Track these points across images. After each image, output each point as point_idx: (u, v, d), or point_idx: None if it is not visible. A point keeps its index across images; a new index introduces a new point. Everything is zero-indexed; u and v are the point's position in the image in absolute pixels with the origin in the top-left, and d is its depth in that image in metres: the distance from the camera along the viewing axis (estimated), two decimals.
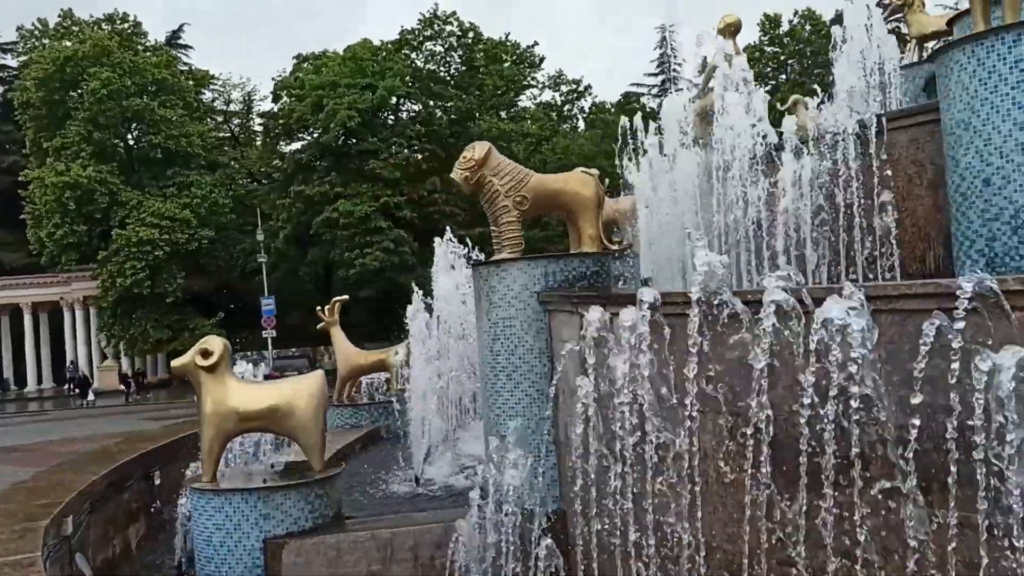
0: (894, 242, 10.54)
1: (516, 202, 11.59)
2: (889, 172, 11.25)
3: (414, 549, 10.66)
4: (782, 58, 56.45)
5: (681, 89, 67.56)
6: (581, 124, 59.23)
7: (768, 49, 56.33)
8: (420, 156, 52.54)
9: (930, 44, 17.66)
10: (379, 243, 48.03)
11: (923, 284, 6.04)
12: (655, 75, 68.08)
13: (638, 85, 67.84)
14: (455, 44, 55.62)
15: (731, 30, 15.75)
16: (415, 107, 55.22)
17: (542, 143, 54.95)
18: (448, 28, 55.26)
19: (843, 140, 10.93)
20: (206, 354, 11.19)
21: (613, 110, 62.52)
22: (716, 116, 16.02)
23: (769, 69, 55.62)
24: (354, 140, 50.93)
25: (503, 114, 56.33)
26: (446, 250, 16.77)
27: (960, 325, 5.31)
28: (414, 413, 13.50)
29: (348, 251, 48.26)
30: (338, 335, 18.14)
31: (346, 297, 19.12)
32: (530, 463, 10.72)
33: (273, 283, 53.63)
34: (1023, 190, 9.53)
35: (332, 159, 50.86)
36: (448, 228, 17.40)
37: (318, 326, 18.54)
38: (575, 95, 57.96)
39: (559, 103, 58.05)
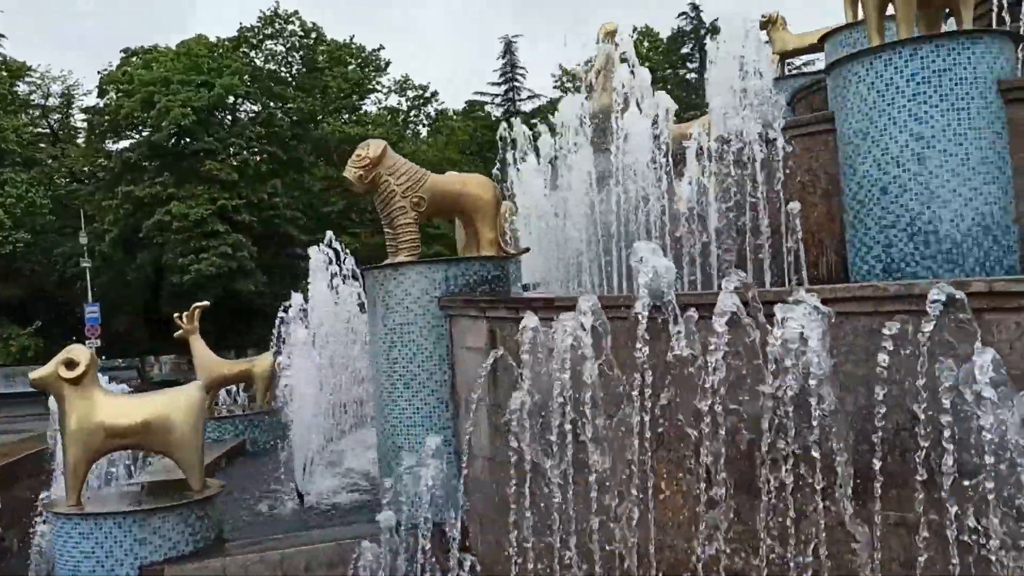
0: (801, 246, 10.59)
1: (413, 203, 11.08)
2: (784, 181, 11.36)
3: (308, 570, 9.93)
4: None
5: (524, 99, 68.37)
6: (424, 131, 58.79)
7: None
8: (260, 158, 50.71)
9: (796, 60, 18.22)
10: (216, 248, 45.99)
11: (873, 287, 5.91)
12: (498, 84, 68.40)
13: (481, 94, 67.98)
14: (297, 44, 54.11)
15: (611, 37, 15.74)
16: (254, 107, 53.34)
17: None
18: (290, 27, 53.75)
19: (748, 148, 10.92)
20: (71, 365, 10.13)
21: (456, 118, 62.56)
22: (614, 118, 16.01)
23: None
24: (188, 140, 48.64)
25: (347, 117, 55.16)
26: (323, 255, 15.94)
27: (928, 328, 5.23)
28: (294, 425, 12.69)
29: (182, 256, 45.98)
30: (198, 344, 16.99)
31: (206, 303, 17.97)
32: (438, 475, 10.26)
33: (98, 289, 50.61)
34: (918, 199, 9.71)
35: (164, 159, 48.40)
36: (330, 233, 16.51)
37: (176, 334, 17.32)
38: (421, 101, 57.47)
39: (405, 108, 57.40)
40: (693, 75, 56.33)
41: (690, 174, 11.40)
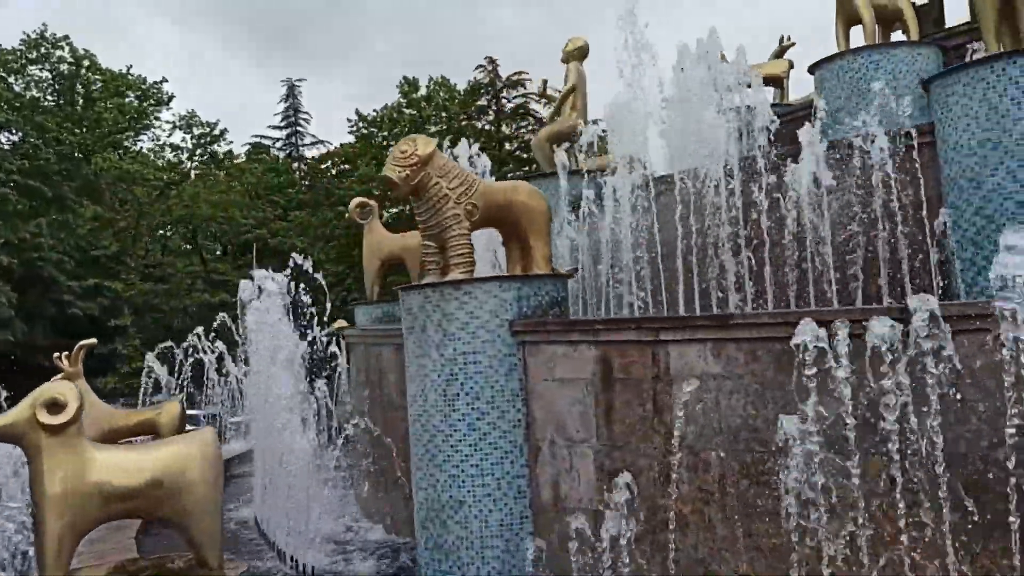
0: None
1: (467, 211, 9.38)
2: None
3: None
4: (417, 121, 56.78)
5: (308, 144, 65.66)
6: (211, 171, 54.86)
7: (407, 111, 56.43)
8: (19, 194, 45.24)
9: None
10: None
11: None
12: (280, 128, 65.37)
13: (262, 137, 64.71)
14: (66, 72, 49.01)
15: (579, 54, 14.66)
16: (13, 138, 47.74)
17: (170, 187, 49.94)
18: (58, 53, 48.62)
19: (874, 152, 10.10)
20: (54, 407, 7.63)
21: (242, 160, 59.12)
22: (576, 139, 14.80)
23: (407, 130, 55.60)
24: None
25: (122, 153, 50.48)
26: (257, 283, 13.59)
27: None
28: (257, 479, 10.44)
29: None
30: (81, 388, 13.93)
31: (93, 341, 14.87)
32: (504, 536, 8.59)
33: None
34: None
35: None
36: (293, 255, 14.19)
37: (54, 378, 14.12)
38: (208, 139, 53.51)
39: (191, 146, 53.26)
40: (490, 126, 56.23)
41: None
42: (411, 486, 10.75)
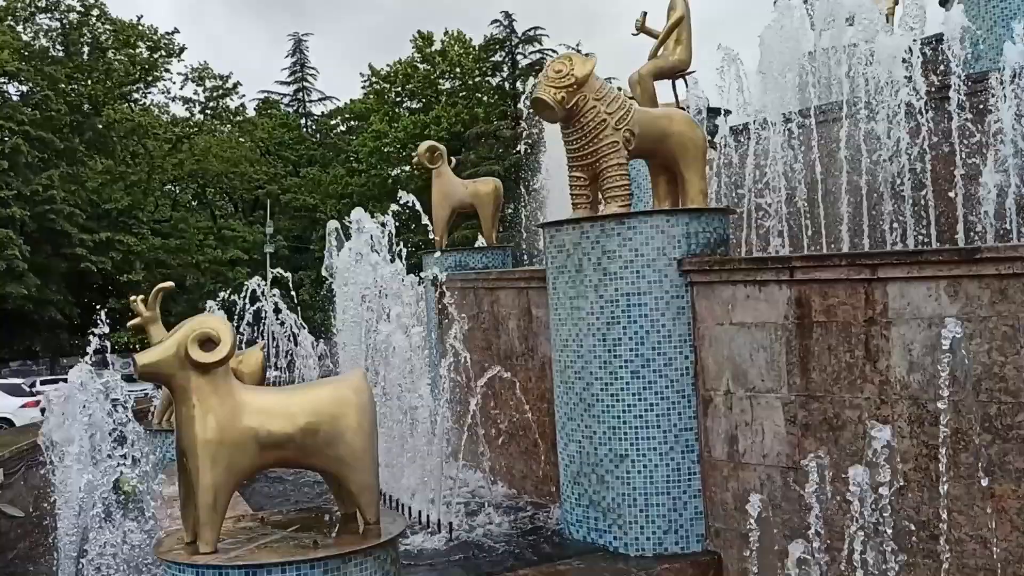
0: None
1: (625, 139, 8.55)
2: None
3: None
4: (433, 77, 55.64)
5: (315, 100, 64.43)
6: (224, 126, 53.64)
7: (421, 67, 55.22)
8: (32, 146, 44.10)
9: None
10: None
11: None
12: (288, 83, 64.15)
13: (268, 92, 63.47)
14: (75, 21, 47.65)
15: None
16: (23, 88, 46.48)
17: (182, 141, 48.85)
18: (67, 1, 47.22)
19: None
20: (207, 343, 6.84)
21: (255, 114, 57.97)
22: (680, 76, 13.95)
23: (420, 86, 54.53)
24: None
25: (135, 106, 49.24)
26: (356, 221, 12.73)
27: None
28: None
29: None
30: (158, 335, 13.09)
31: (170, 284, 14.01)
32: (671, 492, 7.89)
33: None
34: None
35: None
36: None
37: (130, 323, 13.34)
38: (220, 92, 52.29)
39: (203, 99, 52.02)
40: (507, 83, 55.18)
41: None
42: (542, 438, 10.06)
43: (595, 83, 8.55)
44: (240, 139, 53.74)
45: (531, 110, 8.77)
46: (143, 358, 6.85)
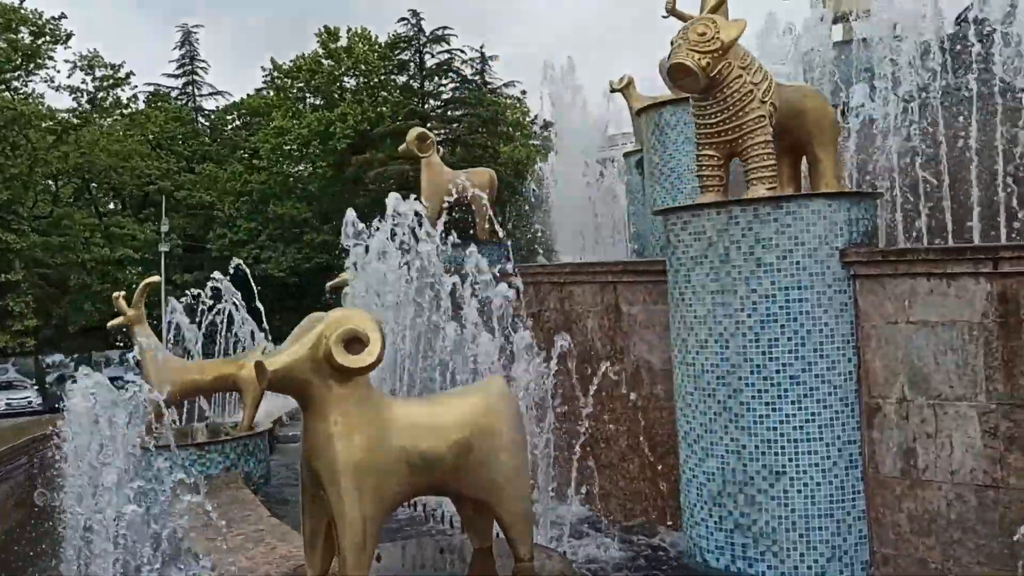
0: None
1: (769, 113, 7.56)
2: None
3: None
4: (337, 73, 53.54)
5: (206, 95, 61.20)
6: (110, 118, 50.19)
7: (326, 63, 53.01)
8: None
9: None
10: None
11: None
12: (176, 76, 60.76)
13: (157, 85, 60.00)
14: None
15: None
16: None
17: (68, 132, 45.41)
18: None
19: None
20: (353, 343, 5.51)
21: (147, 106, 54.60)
22: None
23: (325, 82, 52.32)
24: None
25: (15, 95, 45.49)
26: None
27: None
28: None
29: None
30: (143, 337, 11.35)
31: (157, 278, 12.17)
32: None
33: None
34: None
35: None
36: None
37: (111, 323, 11.47)
38: (112, 82, 48.83)
39: (92, 89, 48.46)
40: (414, 82, 53.50)
41: None
42: (633, 451, 8.95)
43: (740, 49, 7.53)
44: (131, 132, 50.44)
45: (669, 75, 7.63)
46: (273, 364, 5.46)
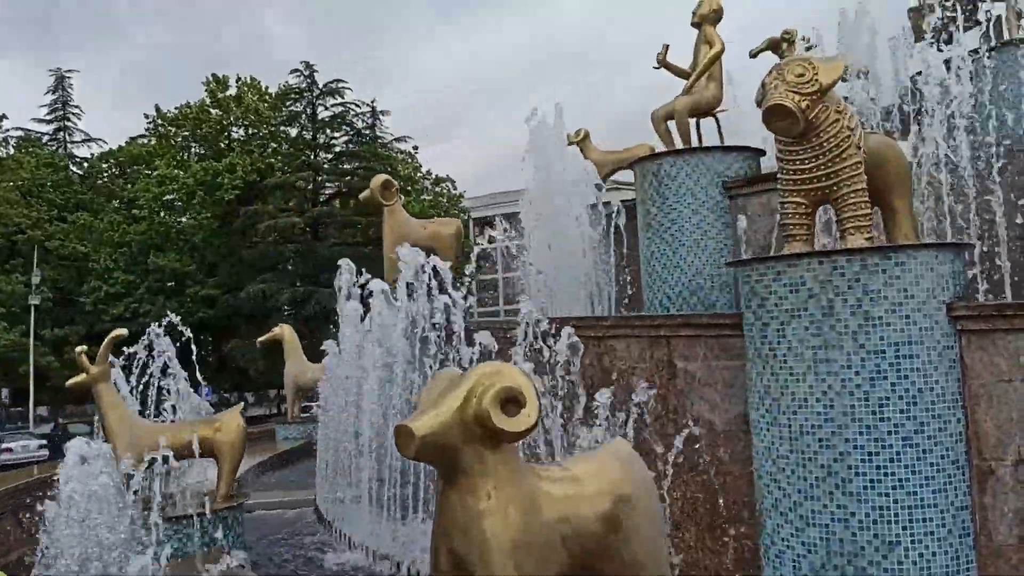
0: None
1: (863, 159, 7.22)
2: None
3: None
4: (226, 123, 51.74)
5: (78, 142, 58.25)
6: None
7: (213, 112, 51.13)
8: None
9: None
10: None
11: None
12: (47, 121, 57.80)
13: (25, 130, 56.96)
14: None
15: (715, 16, 12.67)
16: None
17: None
18: None
19: None
20: (510, 405, 4.79)
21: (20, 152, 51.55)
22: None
23: (213, 131, 50.42)
24: None
25: None
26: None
27: None
28: None
29: None
30: (110, 396, 9.98)
31: (124, 331, 10.77)
32: None
33: None
34: None
35: None
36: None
37: (70, 381, 10.05)
38: None
39: None
40: (305, 134, 52.13)
41: None
42: (691, 519, 8.32)
43: (834, 94, 7.16)
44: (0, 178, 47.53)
45: (763, 118, 7.16)
46: (421, 427, 4.65)
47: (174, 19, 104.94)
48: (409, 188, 56.62)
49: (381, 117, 55.02)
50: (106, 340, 10.27)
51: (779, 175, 7.47)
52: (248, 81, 53.73)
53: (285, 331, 23.90)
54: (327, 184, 53.22)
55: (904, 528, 6.71)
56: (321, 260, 47.78)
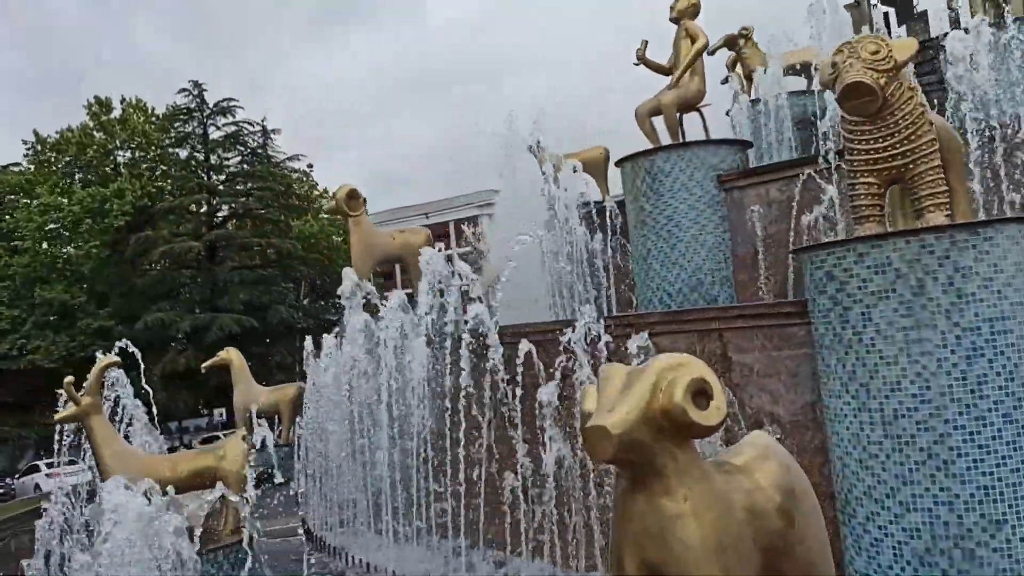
0: None
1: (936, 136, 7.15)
2: None
3: None
4: (109, 147, 49.48)
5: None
6: None
7: (97, 135, 48.84)
8: None
9: None
10: None
11: None
12: None
13: None
14: None
15: (693, 11, 12.59)
16: None
17: None
18: None
19: None
20: (699, 397, 4.45)
21: None
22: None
23: (98, 155, 48.15)
24: None
25: None
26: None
27: None
28: None
29: None
30: (103, 428, 9.02)
31: (116, 359, 9.77)
32: None
33: None
34: None
35: None
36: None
37: (59, 416, 9.04)
38: None
39: None
40: (197, 155, 50.29)
41: None
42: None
43: (906, 71, 7.07)
44: None
45: (836, 98, 6.99)
46: (616, 424, 4.25)
47: (33, 43, 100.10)
48: (306, 206, 55.46)
49: (272, 136, 53.70)
50: (96, 367, 9.41)
51: (847, 156, 7.32)
52: (133, 102, 51.65)
53: (233, 355, 22.67)
54: (222, 205, 51.53)
55: (1010, 506, 6.60)
56: (220, 284, 46.23)
